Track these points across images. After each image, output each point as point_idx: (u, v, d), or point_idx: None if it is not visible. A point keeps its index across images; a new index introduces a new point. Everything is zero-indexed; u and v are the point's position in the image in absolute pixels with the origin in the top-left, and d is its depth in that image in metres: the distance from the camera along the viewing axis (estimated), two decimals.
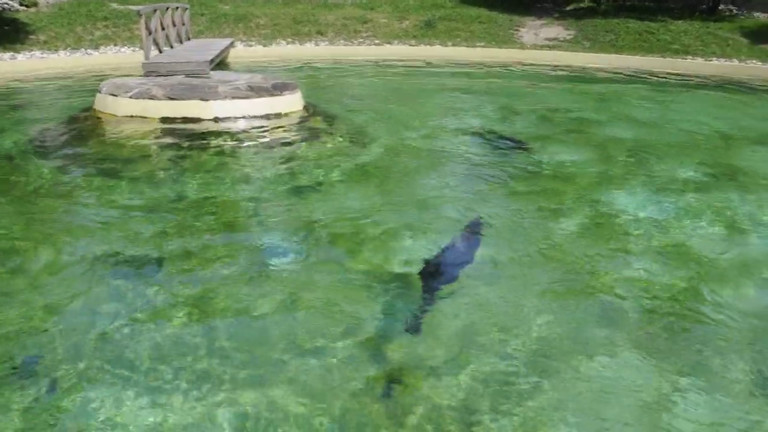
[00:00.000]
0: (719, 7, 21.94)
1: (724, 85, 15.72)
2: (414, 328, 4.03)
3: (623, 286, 4.71)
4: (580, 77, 16.18)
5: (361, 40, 19.96)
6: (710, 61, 18.17)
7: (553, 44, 20.08)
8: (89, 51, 16.91)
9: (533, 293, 4.56)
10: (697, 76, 16.66)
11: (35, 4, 19.29)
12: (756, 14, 21.83)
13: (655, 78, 16.32)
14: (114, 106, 9.23)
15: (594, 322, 4.23)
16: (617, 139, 9.26)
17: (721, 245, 5.54)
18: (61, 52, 16.50)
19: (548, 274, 4.89)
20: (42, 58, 15.81)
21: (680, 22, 20.63)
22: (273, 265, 4.90)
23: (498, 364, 3.74)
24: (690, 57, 18.44)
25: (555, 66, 17.71)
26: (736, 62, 18.04)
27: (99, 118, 9.26)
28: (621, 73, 16.86)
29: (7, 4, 18.67)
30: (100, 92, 9.61)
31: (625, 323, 4.21)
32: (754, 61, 18.03)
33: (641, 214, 6.16)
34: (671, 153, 8.56)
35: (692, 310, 4.40)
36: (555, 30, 21.18)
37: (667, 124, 10.60)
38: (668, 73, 16.99)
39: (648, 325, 4.21)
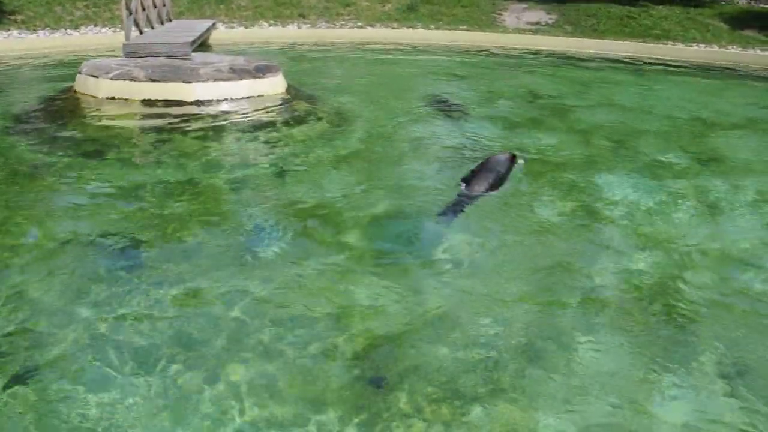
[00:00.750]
0: None
1: (704, 70, 15.90)
2: (445, 215, 4.54)
3: (602, 272, 4.80)
4: (562, 61, 16.26)
5: (343, 22, 19.87)
6: (691, 46, 18.33)
7: (536, 28, 20.13)
8: (69, 31, 16.67)
9: (515, 278, 4.65)
10: (677, 62, 16.82)
11: None
12: (736, 0, 22.03)
13: (637, 63, 16.45)
14: (94, 87, 9.15)
15: (574, 308, 4.31)
16: (598, 124, 9.37)
17: (701, 229, 5.67)
18: (40, 32, 16.26)
19: (530, 259, 4.97)
20: (20, 38, 15.57)
21: (661, 7, 20.74)
22: (255, 248, 4.94)
23: (479, 350, 3.82)
24: (671, 42, 18.59)
25: (537, 50, 17.78)
26: (716, 48, 18.22)
27: (79, 99, 9.19)
28: (602, 58, 16.97)
29: None
30: (80, 73, 9.52)
31: (606, 310, 4.30)
32: (734, 47, 18.21)
33: (622, 199, 6.27)
34: (652, 138, 8.69)
35: (671, 296, 4.49)
36: (537, 14, 21.21)
37: (648, 109, 10.73)
38: (649, 58, 17.14)
39: (629, 312, 4.30)
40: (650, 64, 16.41)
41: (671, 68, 15.97)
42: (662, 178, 6.99)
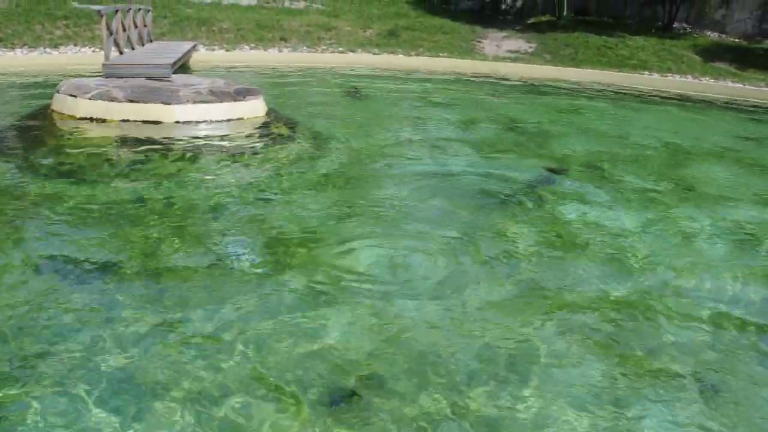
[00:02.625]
0: (674, 25, 22.63)
1: (680, 100, 16.26)
2: None
3: (579, 297, 4.83)
4: (541, 90, 16.52)
5: (324, 47, 20.02)
6: (666, 76, 18.76)
7: (515, 57, 20.44)
8: (48, 50, 16.60)
9: (495, 301, 4.66)
10: (653, 91, 17.18)
11: None
12: (708, 33, 22.59)
13: (613, 92, 16.77)
14: (73, 106, 9.11)
15: (552, 331, 4.32)
16: (575, 151, 9.49)
17: (675, 255, 5.73)
18: (18, 51, 16.16)
19: (506, 284, 4.98)
20: None
21: (637, 38, 21.21)
22: (232, 271, 4.89)
23: (460, 365, 3.81)
24: (647, 72, 19.01)
25: (516, 78, 18.05)
26: (690, 78, 18.66)
27: (57, 119, 9.12)
28: (580, 87, 17.27)
29: None
30: (58, 92, 9.48)
31: (581, 332, 4.31)
32: (707, 78, 18.66)
33: (596, 225, 6.33)
34: (628, 165, 8.82)
35: (644, 322, 4.52)
36: (516, 43, 21.56)
37: (625, 137, 10.90)
38: (626, 87, 17.49)
39: (606, 332, 4.32)
40: (627, 93, 16.73)
41: (648, 97, 16.29)
42: (638, 204, 7.09)
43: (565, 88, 16.92)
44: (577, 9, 24.69)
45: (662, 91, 17.35)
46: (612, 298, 4.84)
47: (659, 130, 11.89)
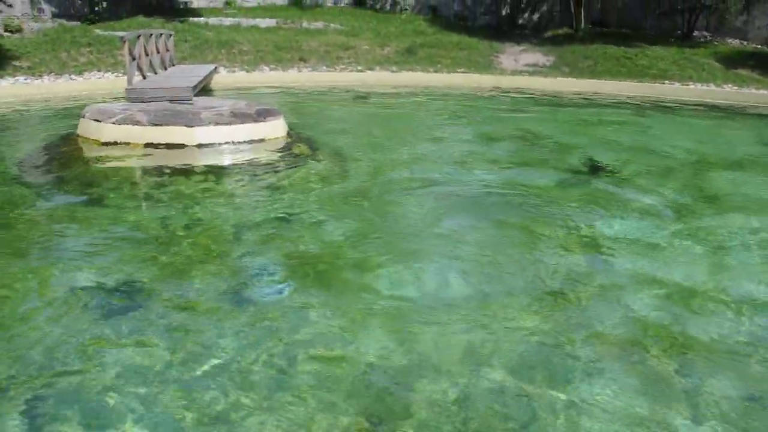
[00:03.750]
0: (694, 33, 22.48)
1: (702, 108, 16.09)
2: None
3: (604, 313, 4.77)
4: (560, 102, 16.47)
5: (343, 66, 20.17)
6: (687, 85, 18.59)
7: (533, 70, 20.42)
8: (73, 76, 16.92)
9: (516, 318, 4.62)
10: (674, 101, 17.04)
11: (20, 30, 19.30)
12: (729, 40, 22.40)
13: (634, 102, 16.65)
14: (97, 131, 9.25)
15: (575, 350, 4.27)
16: (598, 163, 9.41)
17: (702, 268, 5.64)
18: (45, 78, 16.51)
19: (529, 296, 4.95)
20: (26, 83, 15.81)
21: (657, 47, 21.09)
22: (257, 294, 4.91)
23: (481, 392, 3.78)
24: (668, 81, 18.87)
25: (535, 91, 18.01)
26: (712, 86, 18.48)
27: (82, 143, 9.28)
28: (600, 98, 17.18)
29: None
30: (83, 117, 9.64)
31: (607, 350, 4.26)
32: (729, 86, 18.47)
33: (622, 238, 6.26)
34: (652, 176, 8.73)
35: (673, 336, 4.46)
36: (534, 56, 21.54)
37: (647, 148, 10.80)
38: (647, 98, 17.37)
39: (631, 352, 4.26)
40: (648, 103, 16.61)
41: (669, 107, 16.15)
42: (662, 216, 7.00)
43: (584, 100, 16.85)
44: (595, 21, 24.64)
45: (684, 100, 17.19)
46: (639, 317, 4.78)
47: (682, 139, 11.78)
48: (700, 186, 8.50)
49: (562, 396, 3.70)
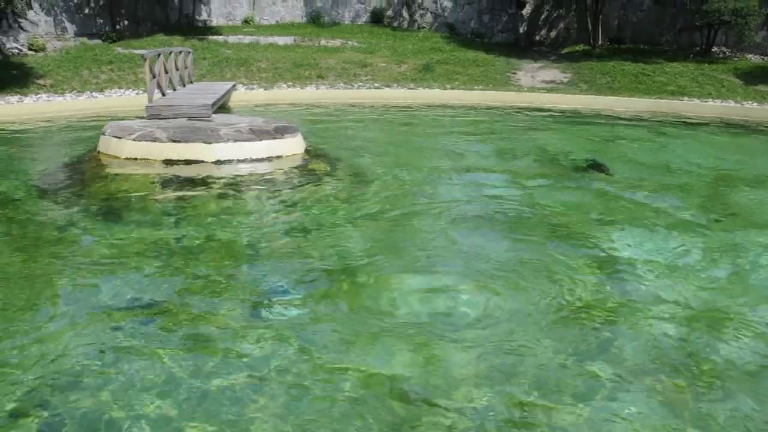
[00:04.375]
0: (713, 49, 22.36)
1: (721, 125, 15.96)
2: None
3: (624, 333, 4.70)
4: (578, 119, 16.41)
5: (360, 83, 20.28)
6: (706, 102, 18.45)
7: (550, 87, 20.40)
8: (94, 94, 17.17)
9: (535, 338, 4.57)
10: (693, 117, 16.92)
11: (43, 49, 19.66)
12: (748, 56, 22.24)
13: (652, 119, 16.55)
14: (117, 148, 9.36)
15: (594, 362, 4.21)
16: (615, 181, 9.34)
17: (724, 287, 5.55)
18: (67, 95, 16.76)
19: (548, 319, 4.89)
20: (48, 101, 16.05)
21: (675, 63, 21.01)
22: (274, 311, 4.90)
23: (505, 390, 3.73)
24: (686, 98, 18.74)
25: (552, 108, 17.97)
26: (732, 103, 18.32)
27: (102, 160, 9.39)
28: (618, 115, 17.10)
29: (16, 48, 19.10)
30: (104, 134, 9.76)
31: (629, 368, 4.19)
32: (749, 102, 18.31)
33: (640, 257, 6.18)
34: (670, 194, 8.64)
35: (696, 357, 4.38)
36: (551, 73, 21.54)
37: (666, 165, 10.71)
38: (665, 114, 17.26)
39: (654, 374, 4.19)
40: (666, 120, 16.50)
41: (688, 124, 16.04)
42: (683, 235, 6.90)
43: (602, 117, 16.77)
44: (612, 37, 24.62)
45: (703, 117, 17.06)
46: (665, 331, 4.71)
47: (701, 156, 11.68)
48: (721, 203, 8.40)
49: (581, 419, 3.64)
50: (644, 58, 21.66)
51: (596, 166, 10.01)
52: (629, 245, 6.50)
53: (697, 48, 22.64)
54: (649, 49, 23.18)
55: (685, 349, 4.45)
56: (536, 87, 20.42)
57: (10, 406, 3.61)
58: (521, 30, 26.30)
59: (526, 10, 26.03)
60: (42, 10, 19.58)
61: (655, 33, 24.35)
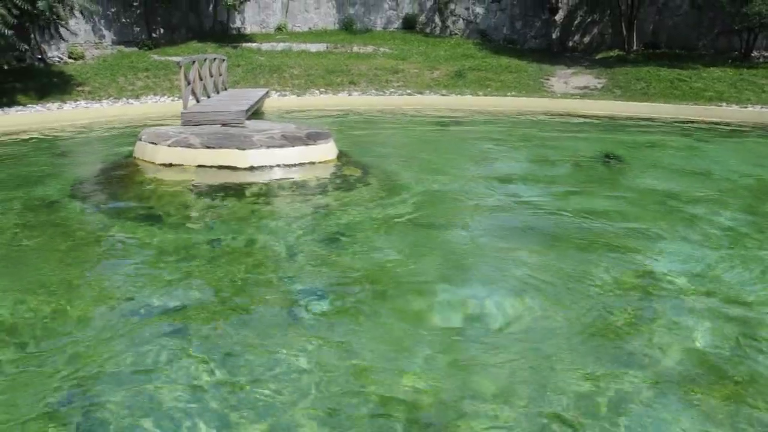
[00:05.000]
0: (752, 53, 21.88)
1: (761, 132, 15.58)
2: None
3: (666, 345, 4.59)
4: (612, 126, 16.18)
5: (392, 89, 20.30)
6: (746, 107, 18.04)
7: (584, 93, 20.18)
8: (130, 100, 17.48)
9: (572, 348, 4.49)
10: (732, 124, 16.55)
11: (82, 57, 20.10)
12: None
13: (689, 126, 16.24)
14: (153, 153, 9.49)
15: (636, 382, 4.11)
16: (652, 189, 9.17)
17: (757, 298, 5.39)
18: (104, 102, 17.09)
19: (585, 328, 4.80)
20: (86, 107, 16.39)
21: (713, 69, 20.60)
22: (306, 317, 4.90)
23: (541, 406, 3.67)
24: (724, 104, 18.35)
25: (586, 115, 17.76)
26: None
27: (139, 165, 9.53)
28: (653, 122, 16.83)
29: (57, 57, 19.55)
30: (139, 140, 9.91)
31: (671, 386, 4.08)
32: None
33: (677, 266, 6.04)
34: (709, 202, 8.44)
35: (740, 368, 4.25)
36: (585, 79, 21.31)
37: (704, 172, 10.49)
38: (702, 121, 16.93)
39: (696, 387, 4.08)
40: (704, 126, 16.18)
41: (726, 130, 15.69)
42: (722, 244, 6.74)
43: (637, 124, 16.52)
44: (647, 42, 24.27)
45: (742, 123, 16.68)
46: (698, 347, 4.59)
47: (740, 163, 11.41)
48: (762, 212, 8.18)
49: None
50: (680, 64, 21.29)
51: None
52: (666, 254, 6.35)
53: (736, 52, 22.18)
54: (686, 54, 22.78)
55: (724, 362, 4.32)
56: (569, 93, 20.21)
57: (46, 409, 3.66)
58: (554, 36, 26.08)
59: (559, 16, 25.80)
60: (83, 19, 20.02)
61: (692, 37, 23.93)
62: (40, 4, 15.05)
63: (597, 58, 24.14)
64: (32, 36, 17.58)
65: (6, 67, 16.91)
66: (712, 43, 23.50)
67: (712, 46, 23.41)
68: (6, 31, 14.33)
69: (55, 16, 16.25)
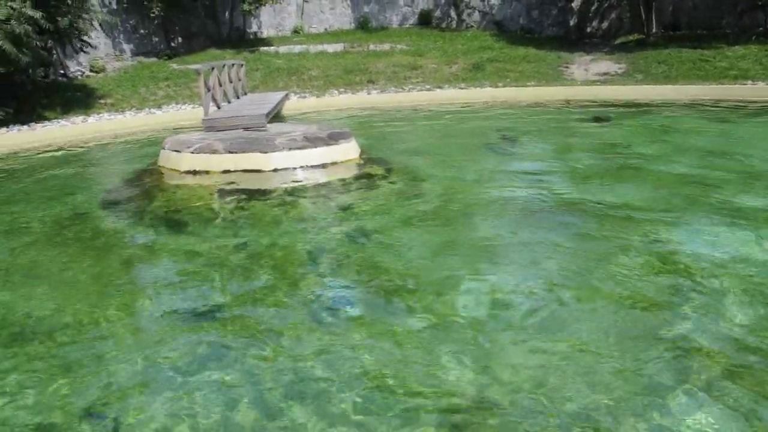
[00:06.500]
0: None
1: None
2: None
3: (697, 329, 4.52)
4: (635, 111, 15.97)
5: (411, 86, 20.26)
6: None
7: (605, 79, 19.94)
8: (152, 110, 17.68)
9: (599, 338, 4.44)
10: (758, 102, 16.22)
11: (103, 70, 20.39)
12: None
13: (714, 106, 15.96)
14: (177, 161, 9.59)
15: (662, 368, 4.05)
16: (678, 173, 9.03)
17: None
18: (127, 113, 17.31)
19: (613, 317, 4.74)
20: (109, 119, 16.62)
21: (737, 47, 20.20)
22: (333, 315, 4.91)
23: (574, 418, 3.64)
24: (750, 82, 17.99)
25: (607, 101, 17.54)
26: None
27: (163, 173, 9.63)
28: (677, 104, 16.57)
29: (79, 71, 19.86)
30: (163, 148, 10.02)
31: (694, 371, 4.01)
32: None
33: (707, 251, 5.92)
34: (738, 184, 8.29)
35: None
36: (605, 65, 21.06)
37: (731, 154, 10.30)
38: (728, 100, 16.61)
39: (730, 373, 4.00)
40: (729, 106, 15.88)
41: (752, 109, 15.39)
42: (754, 227, 6.60)
43: (661, 107, 16.28)
44: (666, 24, 23.90)
45: None
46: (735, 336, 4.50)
47: (766, 140, 11.18)
48: None
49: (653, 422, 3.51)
50: (703, 44, 20.90)
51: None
52: (695, 239, 6.25)
53: (761, 28, 21.71)
54: (708, 34, 22.37)
55: (760, 352, 4.24)
56: (590, 80, 19.99)
57: (79, 412, 3.72)
58: (572, 23, 25.81)
59: (576, 3, 25.53)
60: (103, 32, 20.32)
61: (714, 17, 23.50)
62: (63, 21, 15.31)
63: (616, 43, 23.83)
64: (55, 51, 17.89)
65: (30, 85, 17.21)
66: (736, 21, 23.03)
67: (736, 25, 22.95)
68: (35, 43, 14.59)
69: (76, 31, 16.53)
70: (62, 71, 19.47)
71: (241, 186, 8.70)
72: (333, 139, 9.73)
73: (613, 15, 25.49)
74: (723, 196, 7.66)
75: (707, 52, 20.18)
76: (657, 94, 17.75)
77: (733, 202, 7.39)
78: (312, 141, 9.54)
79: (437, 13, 26.98)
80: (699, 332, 4.41)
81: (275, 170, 9.06)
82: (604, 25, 25.66)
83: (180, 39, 23.32)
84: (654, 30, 23.19)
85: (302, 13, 26.09)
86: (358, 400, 3.78)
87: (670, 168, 9.30)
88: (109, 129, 15.76)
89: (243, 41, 24.20)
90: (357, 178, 9.06)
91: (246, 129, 10.88)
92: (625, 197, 7.80)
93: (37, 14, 14.27)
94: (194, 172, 9.31)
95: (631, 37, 23.90)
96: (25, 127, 15.26)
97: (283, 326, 4.73)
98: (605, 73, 20.38)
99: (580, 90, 18.87)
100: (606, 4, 25.46)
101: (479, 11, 26.61)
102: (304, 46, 23.67)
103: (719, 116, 14.52)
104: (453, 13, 26.85)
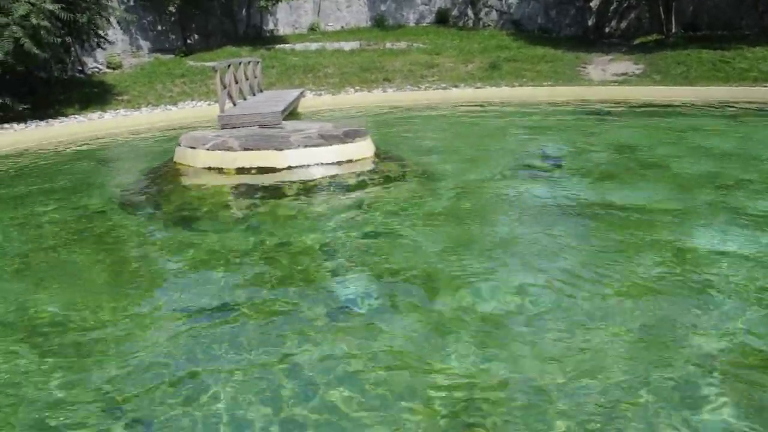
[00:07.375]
0: None
1: None
2: None
3: (710, 335, 4.44)
4: (653, 112, 15.79)
5: (427, 84, 20.18)
6: None
7: (622, 79, 19.75)
8: (168, 107, 17.74)
9: (614, 339, 4.38)
10: None
11: (120, 66, 20.50)
12: None
13: (733, 108, 15.74)
14: (192, 157, 9.60)
15: (681, 373, 3.97)
16: (696, 174, 8.91)
17: None
18: (143, 109, 17.38)
19: (629, 319, 4.68)
20: (126, 115, 16.69)
21: (757, 48, 19.90)
22: (349, 313, 4.88)
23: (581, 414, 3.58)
24: None
25: (625, 101, 17.37)
26: None
27: (179, 169, 9.65)
28: (696, 106, 16.37)
29: (96, 67, 19.99)
30: (179, 145, 10.04)
31: (716, 377, 3.94)
32: None
33: (727, 254, 5.83)
34: (756, 187, 8.17)
35: None
36: (623, 65, 20.86)
37: (750, 156, 10.15)
38: (748, 102, 16.38)
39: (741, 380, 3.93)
40: (750, 108, 15.66)
41: None
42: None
43: (679, 108, 16.10)
44: (686, 24, 23.65)
45: None
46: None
47: None
48: None
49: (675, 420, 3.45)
50: (723, 45, 20.60)
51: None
52: (713, 240, 6.16)
53: None
54: (728, 35, 22.08)
55: None
56: (607, 80, 19.81)
57: (96, 407, 3.72)
58: (590, 23, 25.63)
59: (595, 2, 25.34)
60: (120, 29, 20.43)
61: (735, 17, 23.22)
62: (81, 17, 15.39)
63: (635, 43, 23.61)
64: (73, 48, 18.01)
65: (49, 81, 17.34)
66: (757, 22, 22.70)
67: (757, 25, 22.63)
68: (54, 39, 14.68)
69: (94, 27, 16.62)
70: (80, 67, 19.61)
71: (256, 183, 8.69)
72: (348, 136, 9.70)
73: (632, 15, 25.29)
74: (740, 200, 7.56)
75: (727, 53, 19.90)
76: (675, 95, 17.54)
77: (749, 206, 7.29)
78: (327, 138, 9.52)
79: (454, 12, 26.88)
80: (713, 344, 4.33)
81: (290, 168, 9.03)
82: (623, 25, 25.45)
83: (196, 36, 23.41)
84: (673, 30, 22.95)
85: (319, 11, 26.10)
86: (374, 389, 3.75)
87: (693, 169, 9.20)
88: (125, 125, 15.84)
89: (259, 39, 24.22)
90: (372, 176, 9.02)
91: (261, 126, 10.88)
92: (640, 198, 7.71)
93: (56, 7, 14.31)
94: (210, 169, 9.31)
95: (650, 38, 23.67)
96: (43, 123, 15.38)
97: (297, 321, 4.71)
98: (623, 74, 20.19)
99: (597, 90, 18.68)
100: (625, 4, 25.26)
101: (497, 10, 26.49)
102: (320, 43, 23.65)
103: (738, 118, 14.32)
104: (470, 12, 26.75)
